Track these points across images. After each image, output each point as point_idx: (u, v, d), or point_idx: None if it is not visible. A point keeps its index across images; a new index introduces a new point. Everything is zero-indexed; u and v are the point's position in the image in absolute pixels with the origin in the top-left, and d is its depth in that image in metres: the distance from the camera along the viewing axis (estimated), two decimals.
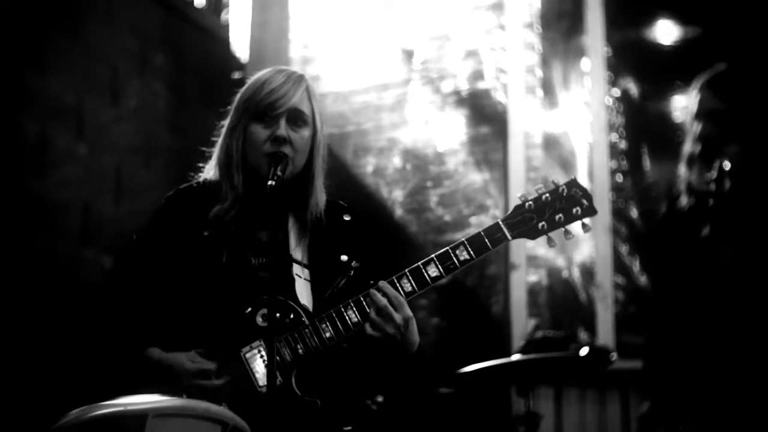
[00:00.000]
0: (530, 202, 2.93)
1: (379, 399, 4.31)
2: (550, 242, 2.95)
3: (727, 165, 3.82)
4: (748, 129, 3.93)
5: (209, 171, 3.07)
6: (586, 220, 2.94)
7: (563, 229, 2.93)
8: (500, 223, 2.92)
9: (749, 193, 3.86)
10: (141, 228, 3.05)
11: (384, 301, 2.82)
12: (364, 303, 2.85)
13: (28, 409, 4.34)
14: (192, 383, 2.77)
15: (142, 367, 2.82)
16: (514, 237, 2.92)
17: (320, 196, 3.02)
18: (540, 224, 2.92)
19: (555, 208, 2.92)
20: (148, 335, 2.87)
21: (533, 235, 2.93)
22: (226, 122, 3.06)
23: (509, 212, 2.95)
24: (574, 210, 2.92)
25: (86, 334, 2.99)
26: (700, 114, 4.03)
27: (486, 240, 2.90)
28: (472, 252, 2.89)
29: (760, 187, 3.89)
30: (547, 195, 2.93)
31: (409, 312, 2.84)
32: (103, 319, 2.92)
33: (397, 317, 2.81)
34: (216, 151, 3.05)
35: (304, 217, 3.01)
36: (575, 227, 2.94)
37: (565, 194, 2.93)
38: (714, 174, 3.85)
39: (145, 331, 2.88)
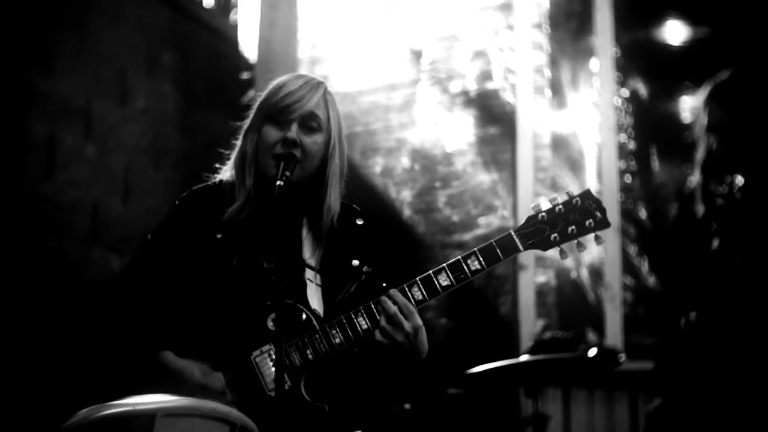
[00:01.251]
0: (543, 214, 2.92)
1: (407, 406, 4.33)
2: (562, 254, 2.94)
3: (740, 180, 3.82)
4: (757, 137, 3.93)
5: (226, 172, 3.07)
6: (600, 233, 2.92)
7: (576, 241, 2.93)
8: (512, 233, 2.91)
9: (760, 204, 3.86)
10: (154, 228, 3.04)
11: (394, 308, 2.81)
12: (375, 310, 2.84)
13: (37, 409, 4.35)
14: (198, 395, 2.76)
15: (153, 370, 2.81)
16: (526, 248, 2.91)
17: (334, 204, 3.00)
18: (552, 236, 2.91)
19: (568, 220, 2.91)
20: (161, 338, 2.86)
21: (545, 246, 2.92)
22: (244, 124, 3.07)
23: (522, 223, 2.94)
24: (587, 222, 2.91)
25: (97, 335, 2.99)
26: (710, 127, 4.03)
27: (498, 251, 2.89)
28: (483, 262, 2.88)
29: None
30: (561, 206, 2.92)
31: (419, 321, 2.84)
32: (116, 320, 2.91)
33: (407, 326, 2.81)
34: (234, 155, 3.06)
35: (318, 223, 3.00)
36: (588, 239, 2.93)
37: (578, 206, 2.92)
38: (725, 188, 3.86)
39: (158, 334, 2.87)
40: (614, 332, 5.59)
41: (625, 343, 5.53)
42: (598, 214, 2.92)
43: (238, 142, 3.03)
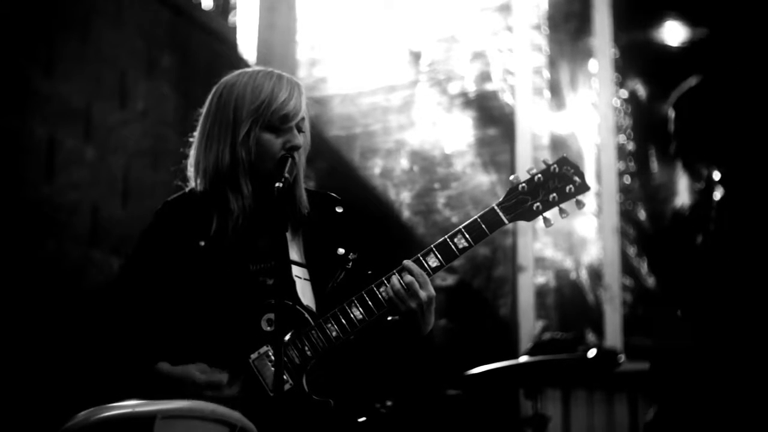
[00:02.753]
0: (523, 184, 2.93)
1: (389, 403, 4.32)
2: (546, 222, 2.94)
3: (717, 175, 3.83)
4: (715, 145, 3.95)
5: (194, 181, 3.04)
6: (581, 197, 2.93)
7: (558, 208, 2.93)
8: (495, 207, 2.92)
9: (736, 197, 3.87)
10: (136, 244, 3.04)
11: (410, 278, 2.83)
12: (367, 299, 2.86)
13: (37, 411, 4.35)
14: (204, 395, 2.77)
15: (152, 382, 2.81)
16: (510, 220, 2.92)
17: (304, 194, 3.04)
18: (535, 205, 2.91)
19: (548, 188, 2.92)
20: (156, 350, 2.86)
21: (529, 216, 2.93)
22: (205, 124, 3.03)
23: (503, 196, 2.94)
24: (568, 188, 2.92)
25: (93, 352, 2.99)
26: (674, 133, 4.05)
27: (483, 226, 2.90)
28: (470, 239, 2.89)
29: (741, 198, 3.89)
30: (540, 175, 2.93)
31: (433, 291, 2.86)
32: (109, 337, 2.91)
33: (423, 294, 2.83)
34: (202, 158, 3.00)
35: (295, 216, 3.02)
36: (570, 205, 2.94)
37: (557, 173, 2.92)
38: (702, 184, 3.87)
39: (152, 346, 2.87)
40: (613, 333, 5.59)
41: (625, 344, 5.54)
42: (577, 178, 2.92)
43: (216, 148, 2.96)
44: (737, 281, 3.85)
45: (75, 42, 5.07)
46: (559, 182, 2.92)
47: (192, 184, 3.06)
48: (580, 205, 2.94)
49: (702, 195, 3.85)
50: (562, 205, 2.92)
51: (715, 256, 3.85)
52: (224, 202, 2.94)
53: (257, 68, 3.06)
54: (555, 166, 2.93)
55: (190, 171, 3.07)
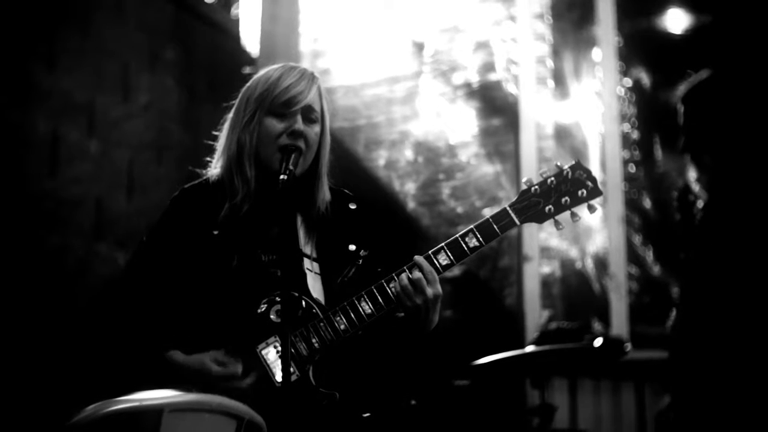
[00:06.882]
0: (536, 187, 2.96)
1: (413, 402, 4.33)
2: (558, 225, 2.98)
3: (703, 200, 3.81)
4: (722, 141, 3.92)
5: (214, 169, 3.08)
6: (593, 202, 2.96)
7: (570, 212, 2.95)
8: (507, 208, 2.96)
9: (721, 206, 3.84)
10: (150, 231, 3.05)
11: (419, 275, 2.85)
12: (377, 293, 2.87)
13: (44, 405, 4.36)
14: (219, 387, 2.78)
15: (165, 371, 2.82)
16: (522, 222, 2.96)
17: (327, 193, 3.07)
18: (547, 208, 2.95)
19: (561, 192, 2.96)
20: (168, 338, 2.87)
21: (541, 219, 2.97)
22: (230, 117, 3.08)
23: (516, 198, 2.97)
24: (580, 192, 2.96)
25: (104, 340, 3.01)
26: (682, 128, 4.03)
27: (495, 226, 2.93)
28: (481, 239, 2.92)
29: (733, 197, 3.86)
30: (552, 179, 2.96)
31: (440, 289, 2.87)
32: (121, 325, 2.93)
33: (429, 291, 2.84)
34: (222, 147, 3.06)
35: (312, 213, 3.03)
36: (582, 209, 2.96)
37: (569, 177, 2.97)
38: (676, 203, 3.85)
39: (164, 334, 2.88)
40: (620, 322, 5.59)
41: (631, 332, 5.53)
42: (590, 183, 2.97)
43: (231, 135, 3.03)
44: (727, 290, 3.84)
45: (77, 36, 5.06)
46: (571, 186, 2.96)
47: (215, 171, 3.08)
48: (591, 209, 2.97)
49: (681, 209, 3.84)
50: (574, 209, 2.94)
51: (702, 267, 3.84)
52: (232, 187, 2.95)
53: (283, 63, 3.08)
54: (568, 170, 2.97)
55: (213, 162, 3.11)
